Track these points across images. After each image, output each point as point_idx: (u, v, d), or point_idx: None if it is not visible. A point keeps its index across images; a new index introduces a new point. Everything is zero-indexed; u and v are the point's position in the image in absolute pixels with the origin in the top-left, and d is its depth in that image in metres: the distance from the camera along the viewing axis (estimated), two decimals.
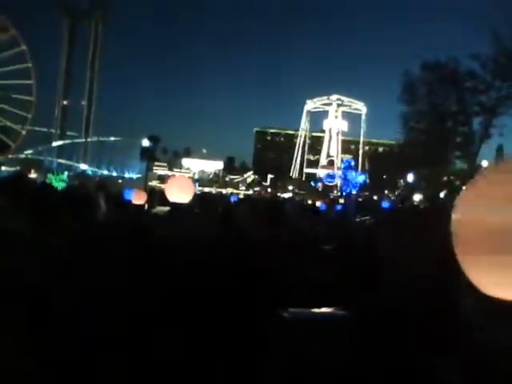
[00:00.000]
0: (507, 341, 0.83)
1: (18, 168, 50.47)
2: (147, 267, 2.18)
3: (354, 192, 57.59)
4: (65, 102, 77.50)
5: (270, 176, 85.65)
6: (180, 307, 1.95)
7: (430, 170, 34.76)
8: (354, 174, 65.32)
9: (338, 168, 77.20)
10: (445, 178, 37.55)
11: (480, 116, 29.80)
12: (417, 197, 41.55)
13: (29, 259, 1.85)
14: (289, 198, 47.28)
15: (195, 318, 1.88)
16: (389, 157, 56.05)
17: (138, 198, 6.51)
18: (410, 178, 41.48)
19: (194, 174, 75.20)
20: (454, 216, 0.93)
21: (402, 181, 51.23)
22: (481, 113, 29.63)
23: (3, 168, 49.22)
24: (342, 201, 31.73)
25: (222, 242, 2.46)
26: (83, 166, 70.51)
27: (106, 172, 70.06)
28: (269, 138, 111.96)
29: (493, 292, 0.86)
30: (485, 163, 33.69)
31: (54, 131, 75.13)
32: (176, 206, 3.34)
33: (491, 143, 31.95)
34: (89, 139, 76.61)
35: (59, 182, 18.43)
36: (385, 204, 17.87)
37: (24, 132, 61.20)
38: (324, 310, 1.58)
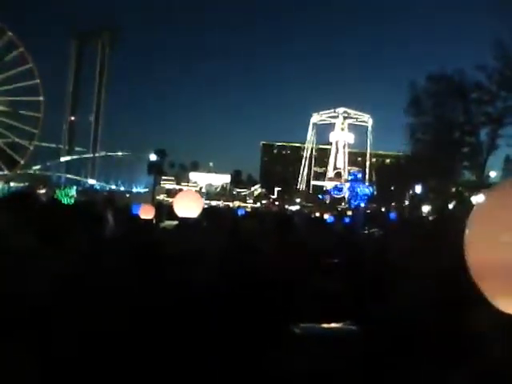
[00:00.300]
0: None
1: (27, 184, 50.83)
2: (156, 282, 2.18)
3: (362, 204, 57.44)
4: (72, 118, 78.26)
5: (277, 189, 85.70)
6: (188, 322, 1.94)
7: (438, 181, 34.65)
8: (361, 186, 65.21)
9: (346, 180, 77.14)
10: (453, 189, 37.37)
11: (487, 126, 29.77)
12: (425, 208, 41.37)
13: (35, 276, 1.85)
14: (296, 210, 47.22)
15: (204, 334, 1.87)
16: (396, 168, 55.89)
17: (145, 213, 6.52)
18: (418, 189, 41.33)
19: (201, 187, 75.38)
20: (466, 232, 0.91)
21: (410, 192, 51.04)
22: (487, 123, 29.59)
23: (12, 184, 49.61)
24: (349, 213, 31.63)
25: (230, 255, 2.46)
26: (91, 181, 70.92)
27: (113, 186, 70.41)
28: (275, 151, 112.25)
29: (506, 307, 0.85)
30: (493, 174, 33.56)
31: (62, 147, 75.76)
32: (184, 221, 3.34)
33: (499, 153, 31.86)
34: (97, 154, 77.15)
35: (67, 198, 18.52)
36: (392, 216, 17.80)
37: (32, 148, 61.72)
38: (334, 324, 1.56)
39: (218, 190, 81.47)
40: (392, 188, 57.67)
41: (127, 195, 54.79)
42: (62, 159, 73.28)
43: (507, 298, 0.86)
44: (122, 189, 69.70)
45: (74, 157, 75.46)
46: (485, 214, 0.91)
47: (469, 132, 30.68)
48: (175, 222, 4.64)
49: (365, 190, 64.45)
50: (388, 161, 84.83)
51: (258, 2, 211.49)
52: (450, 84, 30.16)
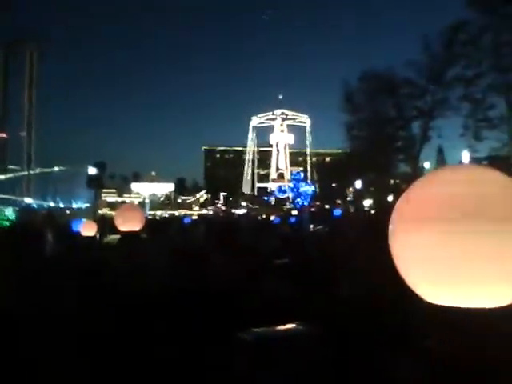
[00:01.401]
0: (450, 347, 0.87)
1: None
2: (100, 300, 2.12)
3: (305, 203, 58.39)
4: (3, 135, 74.74)
5: (222, 194, 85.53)
6: (137, 336, 1.90)
7: (376, 175, 35.84)
8: (303, 185, 66.31)
9: (289, 180, 78.15)
10: (391, 182, 38.73)
11: (418, 120, 31.05)
12: (367, 202, 42.63)
13: None
14: (243, 214, 47.33)
15: (153, 347, 1.85)
16: (336, 166, 57.28)
17: (87, 229, 6.32)
18: (359, 184, 42.55)
19: (144, 198, 73.97)
20: (390, 228, 0.96)
21: (350, 188, 52.42)
22: (419, 117, 30.87)
23: None
24: (295, 213, 32.02)
25: (174, 265, 2.43)
26: (28, 200, 67.93)
27: (52, 204, 67.78)
28: (218, 155, 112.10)
29: (430, 299, 0.90)
30: (427, 164, 35.08)
31: None
32: (126, 235, 3.27)
33: (432, 145, 33.30)
34: (31, 171, 74.02)
35: (4, 220, 17.68)
36: (336, 212, 18.23)
37: None
38: (285, 326, 1.57)
39: (162, 199, 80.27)
40: (334, 185, 59.04)
41: (67, 212, 52.90)
42: None
43: (428, 288, 0.91)
44: (62, 205, 67.24)
45: (8, 175, 72.03)
46: (401, 207, 0.97)
47: (401, 126, 31.89)
48: (118, 237, 4.54)
49: (307, 189, 65.58)
50: (328, 159, 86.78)
51: (187, 6, 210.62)
52: (381, 81, 31.28)
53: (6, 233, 3.61)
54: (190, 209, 74.20)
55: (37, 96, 76.47)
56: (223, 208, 74.33)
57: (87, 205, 57.28)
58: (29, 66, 75.18)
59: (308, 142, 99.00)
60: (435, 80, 28.67)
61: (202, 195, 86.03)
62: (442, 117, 29.06)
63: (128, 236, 3.35)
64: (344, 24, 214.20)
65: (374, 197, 39.46)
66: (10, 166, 74.02)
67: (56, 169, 72.72)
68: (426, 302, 0.89)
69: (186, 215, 37.50)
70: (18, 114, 75.62)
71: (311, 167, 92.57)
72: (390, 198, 33.64)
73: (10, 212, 29.84)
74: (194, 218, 32.04)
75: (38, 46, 74.52)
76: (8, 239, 3.31)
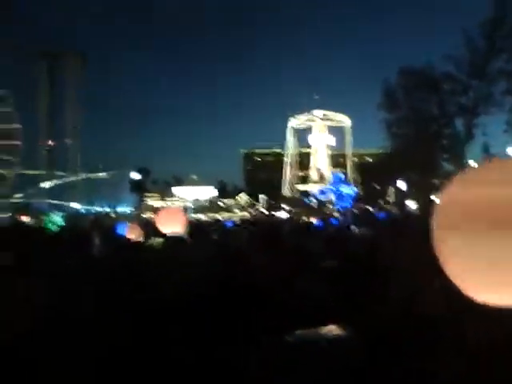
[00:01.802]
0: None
1: (10, 214, 50.14)
2: (143, 300, 2.16)
3: (347, 205, 57.72)
4: (50, 143, 77.52)
5: (262, 196, 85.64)
6: (179, 336, 1.93)
7: (419, 175, 35.02)
8: (345, 186, 65.60)
9: (329, 182, 77.45)
10: (435, 182, 37.80)
11: (461, 117, 30.19)
12: (410, 203, 41.71)
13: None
14: (287, 218, 47.25)
15: (195, 347, 1.86)
16: (378, 166, 56.35)
17: (131, 232, 6.47)
18: (402, 185, 41.70)
19: (186, 202, 75.07)
20: (433, 225, 0.93)
21: (392, 189, 51.46)
22: (462, 114, 30.01)
23: None
24: (336, 215, 31.72)
25: (218, 268, 2.45)
26: (75, 205, 70.19)
27: (98, 208, 69.77)
28: (257, 158, 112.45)
29: (480, 297, 0.87)
30: (472, 163, 34.03)
31: (42, 173, 74.91)
32: (170, 237, 3.32)
33: (478, 142, 32.30)
34: (78, 177, 76.44)
35: (54, 224, 18.31)
36: (382, 215, 17.92)
37: (12, 177, 60.93)
38: (326, 328, 1.55)
39: (204, 202, 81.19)
40: (376, 186, 58.12)
41: (113, 216, 54.36)
42: (43, 185, 72.45)
43: (480, 288, 0.88)
44: (107, 210, 69.12)
45: (56, 182, 74.67)
46: (447, 199, 0.94)
47: (445, 124, 31.09)
48: (162, 240, 4.62)
49: (349, 190, 64.81)
50: (370, 159, 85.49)
51: (224, 8, 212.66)
52: (421, 77, 30.59)
53: (56, 237, 3.74)
54: (231, 212, 74.69)
55: (81, 104, 78.98)
56: (264, 211, 74.42)
57: (131, 209, 58.67)
58: (73, 76, 77.77)
59: (348, 143, 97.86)
60: (477, 75, 27.83)
61: (243, 198, 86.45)
62: (486, 114, 28.18)
63: (172, 239, 3.41)
64: (380, 21, 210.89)
65: (418, 198, 38.56)
66: (58, 173, 76.70)
67: (101, 174, 74.83)
68: (479, 304, 0.86)
69: (227, 218, 37.78)
70: (63, 121, 78.29)
71: (352, 168, 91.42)
72: (435, 199, 32.80)
73: (58, 217, 30.90)
74: (236, 220, 32.25)
75: (83, 56, 76.99)
76: (58, 243, 3.43)
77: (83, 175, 76.31)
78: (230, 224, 13.06)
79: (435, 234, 0.94)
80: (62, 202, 70.27)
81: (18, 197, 65.66)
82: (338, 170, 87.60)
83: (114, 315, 2.02)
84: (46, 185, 72.78)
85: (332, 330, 1.55)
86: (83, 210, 67.69)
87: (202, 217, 56.90)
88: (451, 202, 0.94)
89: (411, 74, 31.27)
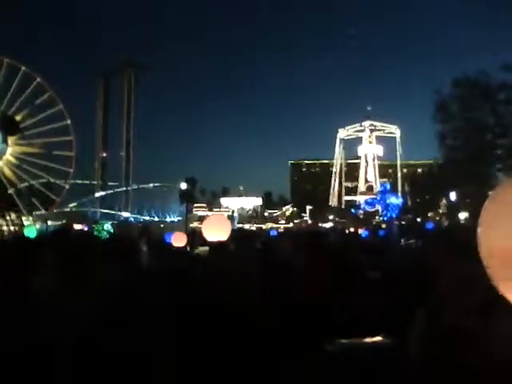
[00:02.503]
0: None
1: (64, 221, 52.13)
2: (187, 310, 2.17)
3: (393, 216, 56.45)
4: (104, 154, 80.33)
5: (308, 207, 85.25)
6: (219, 343, 1.92)
7: (473, 186, 33.84)
8: (392, 197, 64.34)
9: (378, 193, 76.19)
10: (490, 193, 36.41)
11: None
12: (462, 215, 40.35)
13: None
14: (331, 227, 46.79)
15: (239, 358, 1.85)
16: (429, 177, 54.90)
17: (177, 240, 6.58)
18: (453, 196, 40.42)
19: (233, 211, 75.74)
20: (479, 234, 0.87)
21: (444, 200, 49.95)
22: None
23: (49, 223, 50.92)
24: (384, 226, 31.10)
25: (260, 276, 2.44)
26: (125, 214, 72.23)
27: (147, 218, 71.51)
28: (304, 169, 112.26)
29: None
30: None
31: (95, 183, 77.66)
32: (214, 245, 3.35)
33: None
34: (129, 188, 78.72)
35: (103, 232, 18.90)
36: (429, 225, 17.41)
37: (67, 186, 63.45)
38: (372, 339, 1.50)
39: (250, 212, 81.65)
40: (426, 197, 56.58)
41: (161, 225, 55.50)
42: (97, 195, 75.05)
43: None
44: (156, 219, 70.70)
45: (108, 191, 77.15)
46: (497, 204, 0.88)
47: (500, 134, 30.01)
48: (207, 248, 4.68)
49: (396, 201, 63.47)
50: (420, 170, 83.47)
51: (277, 25, 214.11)
52: (476, 86, 29.69)
53: (104, 244, 3.85)
54: (277, 222, 74.66)
55: (135, 117, 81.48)
56: (309, 221, 73.96)
57: (179, 218, 59.73)
58: (128, 90, 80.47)
59: (398, 154, 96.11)
60: None
61: (289, 209, 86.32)
62: None
63: (217, 247, 3.43)
64: (432, 31, 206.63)
65: (471, 209, 37.24)
66: (110, 183, 79.33)
67: (151, 185, 76.77)
68: None
69: (272, 228, 37.78)
70: (117, 134, 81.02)
71: (401, 179, 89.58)
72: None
73: (108, 225, 31.97)
74: (280, 230, 32.14)
75: (138, 70, 79.56)
76: (105, 250, 3.51)
77: (134, 186, 78.56)
78: (273, 233, 13.04)
79: (481, 245, 0.88)
80: (114, 211, 72.48)
81: (71, 206, 68.27)
82: (386, 180, 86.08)
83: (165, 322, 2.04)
84: (99, 194, 75.34)
85: (376, 341, 1.50)
86: (132, 219, 69.51)
87: (246, 226, 57.17)
88: (499, 209, 0.88)
89: (466, 84, 30.40)
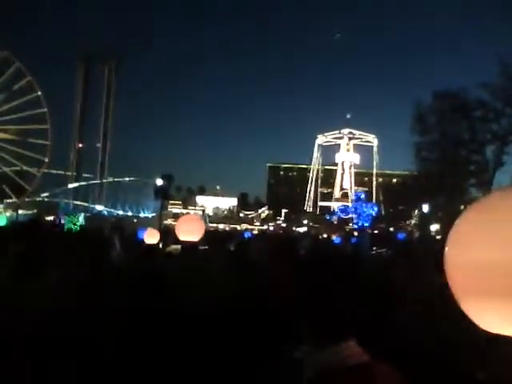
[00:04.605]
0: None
1: (35, 211, 51.10)
2: (158, 306, 2.16)
3: (366, 224, 57.13)
4: (80, 145, 79.00)
5: (284, 210, 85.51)
6: (188, 348, 1.92)
7: (446, 199, 34.47)
8: (365, 206, 65.12)
9: (352, 200, 76.98)
10: (462, 207, 37.15)
11: (492, 144, 29.74)
12: (433, 227, 41.06)
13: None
14: (304, 232, 47.03)
15: (202, 360, 1.85)
16: (403, 188, 55.75)
17: (150, 237, 6.53)
18: (426, 208, 41.12)
19: (203, 210, 75.45)
20: (446, 250, 0.91)
21: (416, 211, 50.78)
22: (493, 141, 29.57)
23: (20, 211, 49.89)
24: (356, 233, 31.41)
25: (232, 279, 2.44)
26: (99, 207, 71.20)
27: (121, 212, 70.62)
28: (282, 172, 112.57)
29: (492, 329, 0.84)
30: (496, 189, 33.34)
31: (69, 173, 76.29)
32: (186, 245, 3.33)
33: (507, 170, 31.69)
34: (104, 180, 77.60)
35: (74, 225, 18.55)
36: (400, 236, 17.66)
37: (40, 175, 62.24)
38: (340, 345, 1.50)
39: (225, 213, 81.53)
40: (400, 207, 57.41)
41: (135, 220, 54.94)
42: (70, 186, 73.75)
43: (491, 318, 0.84)
44: (130, 214, 69.91)
45: (82, 183, 75.92)
46: (465, 224, 0.91)
47: (474, 150, 30.65)
48: (180, 246, 4.64)
49: (369, 210, 64.30)
50: (395, 180, 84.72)
51: (257, 28, 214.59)
52: (455, 101, 30.23)
53: (75, 237, 3.80)
54: (252, 224, 74.69)
55: (113, 108, 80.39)
56: (283, 225, 74.21)
57: (153, 214, 59.20)
58: (107, 81, 79.33)
59: (374, 163, 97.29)
60: (511, 103, 27.44)
61: (264, 211, 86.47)
62: None
63: (189, 246, 3.42)
64: (413, 43, 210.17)
65: (442, 222, 37.95)
66: (85, 175, 78.04)
67: (127, 179, 75.84)
68: (488, 333, 0.83)
69: (246, 229, 37.78)
70: (94, 125, 79.78)
71: (377, 188, 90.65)
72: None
73: (80, 218, 31.40)
74: (255, 232, 32.16)
75: (117, 60, 78.50)
76: (78, 243, 3.46)
77: (110, 178, 77.47)
78: (247, 235, 13.05)
79: (447, 258, 0.91)
80: (87, 204, 71.38)
81: (44, 195, 66.98)
82: (361, 188, 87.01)
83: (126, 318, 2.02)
84: (73, 186, 74.09)
85: (343, 346, 1.51)
86: (105, 212, 68.60)
87: (220, 226, 57.06)
88: (466, 227, 0.91)
89: (445, 98, 30.90)
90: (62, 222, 26.84)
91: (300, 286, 2.96)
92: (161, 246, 7.61)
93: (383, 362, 1.32)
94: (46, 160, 61.36)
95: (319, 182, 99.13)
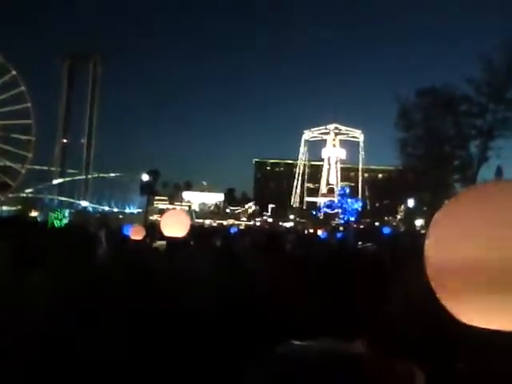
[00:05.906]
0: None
1: (19, 207, 50.51)
2: (144, 306, 2.16)
3: (352, 219, 57.49)
4: (65, 141, 78.16)
5: (270, 206, 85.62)
6: (174, 344, 1.92)
7: (430, 194, 34.81)
8: (350, 201, 65.50)
9: (337, 195, 77.40)
10: (446, 202, 37.48)
11: (477, 139, 30.05)
12: (419, 222, 41.47)
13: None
14: (290, 227, 47.19)
15: (188, 356, 1.85)
16: (388, 183, 56.14)
17: (136, 234, 6.49)
18: (411, 203, 41.49)
19: (189, 206, 75.19)
20: (426, 242, 0.92)
21: (402, 206, 51.22)
22: (477, 136, 29.88)
23: (4, 208, 49.26)
24: (342, 228, 31.58)
25: (218, 276, 2.44)
26: (84, 203, 70.60)
27: (106, 208, 70.11)
28: (268, 168, 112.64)
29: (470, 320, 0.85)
30: (479, 183, 33.73)
31: (54, 169, 75.49)
32: (172, 240, 3.32)
33: (491, 165, 32.08)
34: (89, 176, 76.94)
35: (59, 221, 18.38)
36: (386, 230, 17.79)
37: (24, 171, 61.50)
38: (324, 340, 1.50)
39: (212, 208, 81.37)
40: (385, 202, 57.84)
41: (120, 216, 54.56)
42: (55, 182, 72.98)
43: (471, 311, 0.86)
44: (116, 210, 69.43)
45: (67, 179, 75.17)
46: (445, 216, 0.92)
47: (459, 145, 30.94)
48: (165, 242, 4.63)
49: (354, 204, 64.68)
50: (380, 175, 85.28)
51: (244, 24, 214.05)
52: (439, 97, 30.47)
53: (60, 233, 3.76)
54: (238, 219, 74.65)
55: (98, 104, 79.67)
56: (270, 220, 74.32)
57: (139, 210, 58.86)
58: (92, 77, 78.55)
59: (360, 158, 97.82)
60: (496, 98, 27.73)
61: (251, 206, 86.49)
62: (502, 137, 28.04)
63: (175, 242, 3.40)
64: (398, 38, 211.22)
65: (427, 217, 38.34)
66: (69, 170, 77.24)
67: (112, 174, 75.28)
68: (468, 325, 0.84)
69: (233, 225, 37.76)
70: (79, 121, 78.98)
71: (362, 183, 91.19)
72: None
73: (65, 213, 31.07)
74: (241, 228, 32.16)
75: (101, 57, 77.78)
76: (62, 239, 3.43)
77: (95, 174, 76.83)
78: (233, 230, 13.05)
79: (427, 251, 0.92)
80: (72, 200, 70.73)
81: (28, 191, 66.19)
82: (348, 183, 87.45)
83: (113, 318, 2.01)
84: (57, 181, 73.33)
85: (326, 342, 1.52)
86: (90, 208, 68.06)
87: (207, 222, 56.95)
88: (446, 219, 0.93)
89: (429, 94, 31.12)
90: (39, 219, 26.43)
91: (286, 280, 2.97)
92: (147, 241, 7.58)
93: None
94: (30, 155, 60.63)
95: (306, 177, 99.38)
